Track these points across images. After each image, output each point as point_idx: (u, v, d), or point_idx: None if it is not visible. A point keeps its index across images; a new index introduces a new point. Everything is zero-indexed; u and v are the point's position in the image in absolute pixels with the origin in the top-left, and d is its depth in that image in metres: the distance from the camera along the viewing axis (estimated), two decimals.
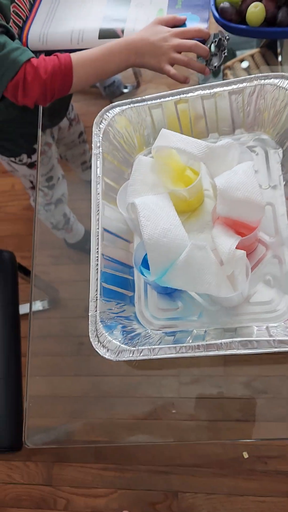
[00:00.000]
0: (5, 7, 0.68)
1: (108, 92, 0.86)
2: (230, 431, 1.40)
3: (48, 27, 0.74)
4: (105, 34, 0.71)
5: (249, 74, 0.66)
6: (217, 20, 0.67)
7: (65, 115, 0.91)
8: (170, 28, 0.66)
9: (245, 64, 0.74)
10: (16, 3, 0.73)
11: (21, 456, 1.35)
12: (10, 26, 0.69)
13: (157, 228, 0.48)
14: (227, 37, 0.64)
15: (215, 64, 0.65)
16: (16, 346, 1.01)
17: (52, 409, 0.67)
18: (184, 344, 0.48)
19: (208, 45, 0.65)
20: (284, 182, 0.59)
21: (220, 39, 0.64)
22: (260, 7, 0.63)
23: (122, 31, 0.70)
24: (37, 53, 0.74)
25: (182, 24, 0.67)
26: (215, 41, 0.64)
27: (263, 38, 0.69)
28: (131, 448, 1.30)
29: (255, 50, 0.73)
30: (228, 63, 0.74)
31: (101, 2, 0.76)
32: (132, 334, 0.54)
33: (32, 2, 0.77)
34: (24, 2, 0.75)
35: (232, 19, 0.66)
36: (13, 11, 0.72)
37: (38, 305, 0.75)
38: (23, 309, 1.11)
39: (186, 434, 1.36)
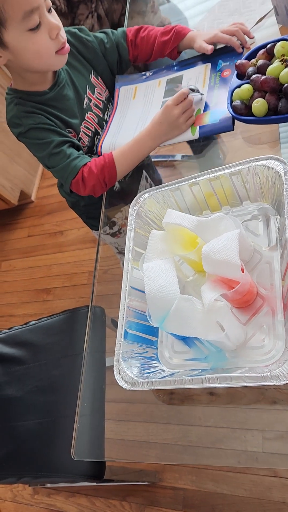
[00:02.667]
0: (76, 126, 0.97)
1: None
2: None
3: (116, 138, 0.98)
4: None
5: None
6: (231, 114, 0.82)
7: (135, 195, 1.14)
8: (175, 105, 0.87)
9: None
10: (87, 120, 1.00)
11: (118, 496, 1.49)
12: (80, 137, 0.96)
13: (155, 285, 0.64)
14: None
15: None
16: (100, 388, 1.18)
17: (143, 452, 0.74)
18: (176, 378, 0.61)
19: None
20: (280, 244, 0.69)
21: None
22: (262, 102, 0.77)
23: None
24: None
25: (186, 94, 0.88)
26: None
27: (269, 124, 0.82)
28: (217, 499, 1.34)
29: None
30: None
31: (157, 106, 0.97)
32: (148, 370, 0.68)
33: (101, 116, 1.04)
34: (93, 118, 1.02)
35: (242, 113, 0.81)
36: (84, 126, 1.00)
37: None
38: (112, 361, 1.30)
39: (269, 491, 1.36)
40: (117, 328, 0.73)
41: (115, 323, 1.42)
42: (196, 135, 0.88)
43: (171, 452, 0.71)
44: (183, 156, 1.10)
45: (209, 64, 0.95)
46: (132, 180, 1.07)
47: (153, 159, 1.14)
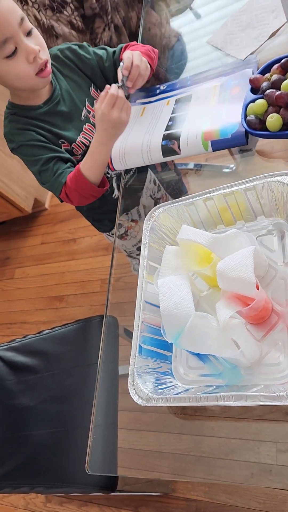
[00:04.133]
0: (70, 138, 1.02)
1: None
2: None
3: (124, 149, 0.99)
4: (167, 152, 0.93)
5: None
6: (245, 129, 0.82)
7: (138, 203, 1.15)
8: (110, 109, 0.88)
9: None
10: (84, 132, 1.04)
11: (130, 506, 1.48)
12: (73, 147, 1.03)
13: (170, 302, 0.64)
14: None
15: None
16: (114, 399, 1.19)
17: (155, 462, 0.73)
18: (191, 395, 0.61)
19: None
20: None
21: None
22: (276, 117, 0.77)
23: (178, 147, 0.91)
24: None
25: (116, 94, 0.88)
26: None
27: (283, 139, 0.82)
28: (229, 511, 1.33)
29: None
30: None
31: (162, 127, 0.97)
32: (163, 386, 0.68)
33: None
34: (91, 129, 1.05)
35: (257, 128, 0.81)
36: (82, 137, 1.04)
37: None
38: (125, 370, 1.30)
39: (283, 504, 1.34)
40: (129, 337, 0.73)
41: (127, 332, 1.43)
42: (210, 150, 0.88)
43: (183, 463, 0.70)
44: (196, 165, 1.11)
45: (218, 85, 0.95)
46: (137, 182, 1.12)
47: None
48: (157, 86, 1.09)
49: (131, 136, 1.00)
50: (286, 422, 0.65)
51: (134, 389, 0.67)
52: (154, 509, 1.44)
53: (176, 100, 1.01)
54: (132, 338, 0.71)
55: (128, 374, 0.69)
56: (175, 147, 0.91)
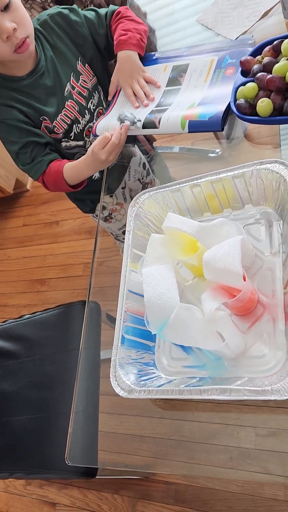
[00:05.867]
0: (52, 114, 0.98)
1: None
2: None
3: (111, 121, 0.96)
4: (147, 125, 0.90)
5: None
6: (235, 113, 0.80)
7: (119, 185, 1.13)
8: (100, 150, 0.90)
9: None
10: (66, 108, 1.00)
11: (110, 489, 1.49)
12: (55, 125, 0.99)
13: (154, 292, 0.62)
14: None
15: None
16: (96, 384, 1.18)
17: (136, 446, 0.74)
18: (174, 388, 0.59)
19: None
20: (282, 250, 0.67)
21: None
22: (267, 101, 0.75)
23: (159, 122, 0.88)
24: None
25: (109, 138, 0.89)
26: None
27: (273, 124, 0.79)
28: (209, 495, 1.35)
29: None
30: None
31: (156, 100, 0.95)
32: (145, 377, 0.66)
33: (83, 104, 1.02)
34: (73, 106, 1.01)
35: (246, 112, 0.78)
36: (63, 114, 1.00)
37: None
38: (106, 354, 1.29)
39: (261, 488, 1.36)
40: (112, 322, 0.72)
41: (110, 318, 1.41)
42: (186, 130, 0.85)
43: (164, 447, 0.70)
44: (181, 148, 1.08)
45: (215, 59, 0.92)
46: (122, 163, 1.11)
47: None
48: (153, 53, 1.05)
49: (127, 109, 0.97)
50: (265, 407, 0.65)
51: (116, 380, 0.65)
52: (134, 492, 1.45)
53: (173, 67, 0.98)
54: (114, 324, 0.69)
55: (110, 358, 0.68)
56: (156, 120, 0.89)
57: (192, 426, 0.69)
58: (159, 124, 0.88)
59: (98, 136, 1.00)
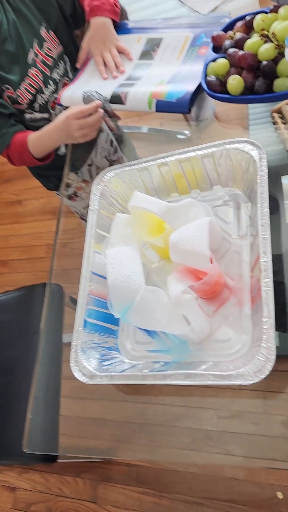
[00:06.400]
0: (15, 83, 0.93)
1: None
2: (266, 470, 1.41)
3: (81, 90, 0.91)
4: (114, 99, 0.87)
5: None
6: (205, 90, 0.77)
7: (85, 162, 1.08)
8: (74, 119, 0.84)
9: None
10: (30, 77, 0.94)
11: (72, 472, 1.48)
12: (19, 94, 0.94)
13: (119, 275, 0.59)
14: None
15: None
16: (57, 368, 1.15)
17: (98, 430, 0.73)
18: (137, 373, 0.57)
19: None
20: (250, 233, 0.66)
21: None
22: (238, 79, 0.72)
23: (125, 97, 0.84)
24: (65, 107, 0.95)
25: (92, 112, 0.83)
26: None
27: (244, 104, 0.77)
28: (170, 476, 1.36)
29: None
30: (276, 106, 0.79)
31: (126, 72, 0.91)
32: (108, 362, 0.64)
33: (48, 74, 0.97)
34: (37, 75, 0.96)
35: (217, 89, 0.76)
36: (27, 83, 0.95)
37: None
38: (69, 338, 1.27)
39: (222, 469, 1.38)
40: (75, 305, 0.69)
41: (73, 301, 1.38)
42: (153, 109, 0.82)
43: (127, 430, 0.70)
44: (149, 129, 1.05)
45: (190, 36, 0.88)
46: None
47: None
48: (126, 21, 1.00)
49: (95, 79, 0.93)
50: (228, 390, 0.65)
51: (77, 365, 0.63)
52: (96, 475, 1.44)
53: (147, 39, 0.94)
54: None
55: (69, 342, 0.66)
56: (123, 95, 0.86)
57: (155, 409, 0.69)
58: (126, 100, 0.85)
59: (62, 105, 0.95)
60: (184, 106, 0.78)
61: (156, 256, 0.72)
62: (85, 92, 0.86)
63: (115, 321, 0.70)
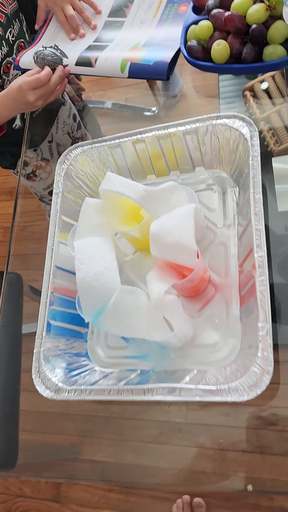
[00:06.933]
0: None
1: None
2: (236, 462, 1.37)
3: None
4: (81, 62, 0.75)
5: (269, 96, 0.71)
6: (185, 57, 0.67)
7: (44, 138, 0.97)
8: (30, 90, 0.72)
9: (265, 85, 0.72)
10: None
11: (32, 471, 1.39)
12: None
13: (89, 272, 0.50)
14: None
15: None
16: (16, 362, 1.05)
17: (61, 425, 0.70)
18: (112, 387, 0.49)
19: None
20: (238, 222, 0.58)
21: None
22: (223, 44, 0.63)
23: (95, 60, 0.74)
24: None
25: (45, 82, 0.71)
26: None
27: (228, 74, 0.69)
28: (137, 471, 1.30)
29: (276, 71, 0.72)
30: (249, 84, 0.74)
31: (95, 32, 0.80)
32: (76, 372, 0.55)
33: (1, 34, 0.83)
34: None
35: (199, 56, 0.66)
36: None
37: None
38: (29, 328, 1.16)
39: (190, 461, 1.34)
40: (36, 295, 0.62)
41: (33, 290, 1.27)
42: (125, 74, 0.72)
43: (91, 424, 0.67)
44: (113, 104, 0.94)
45: None
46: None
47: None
48: None
49: (59, 39, 0.81)
50: None
51: (39, 377, 0.53)
52: (58, 473, 1.36)
53: None
54: (39, 296, 0.58)
55: (34, 332, 0.59)
56: (93, 59, 0.74)
57: (121, 402, 0.62)
58: (95, 62, 0.74)
59: (21, 69, 0.83)
60: (162, 71, 0.68)
61: (130, 247, 0.63)
62: (36, 52, 0.73)
63: (83, 322, 0.61)
